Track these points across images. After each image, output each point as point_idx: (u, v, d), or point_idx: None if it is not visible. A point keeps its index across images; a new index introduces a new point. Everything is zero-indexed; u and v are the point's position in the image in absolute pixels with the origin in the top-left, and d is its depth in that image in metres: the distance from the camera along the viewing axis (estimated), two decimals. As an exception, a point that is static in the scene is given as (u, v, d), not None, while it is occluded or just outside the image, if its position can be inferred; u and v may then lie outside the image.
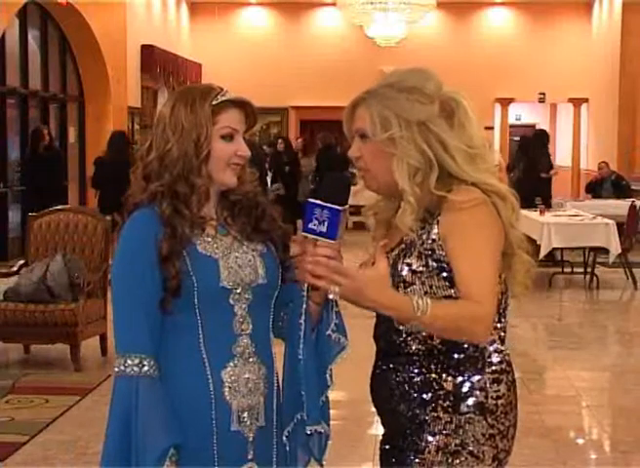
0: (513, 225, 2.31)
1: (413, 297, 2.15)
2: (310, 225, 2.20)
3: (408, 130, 2.27)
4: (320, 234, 2.20)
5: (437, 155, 2.27)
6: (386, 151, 2.29)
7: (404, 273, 2.25)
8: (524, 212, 11.25)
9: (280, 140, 16.26)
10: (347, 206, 2.24)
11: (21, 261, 7.39)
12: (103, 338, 7.18)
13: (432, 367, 2.28)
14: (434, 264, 2.24)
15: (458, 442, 2.25)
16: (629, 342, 8.58)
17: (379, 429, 2.45)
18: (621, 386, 6.93)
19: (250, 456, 2.30)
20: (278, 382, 2.38)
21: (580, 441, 5.72)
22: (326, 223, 2.19)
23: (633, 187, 14.85)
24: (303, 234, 2.22)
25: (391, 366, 2.33)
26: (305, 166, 15.98)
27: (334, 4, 19.48)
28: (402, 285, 2.25)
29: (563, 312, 10.16)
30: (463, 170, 2.27)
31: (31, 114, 14.38)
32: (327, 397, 2.37)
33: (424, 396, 2.27)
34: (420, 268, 2.24)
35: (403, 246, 2.28)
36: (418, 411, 2.28)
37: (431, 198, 2.28)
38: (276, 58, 21.65)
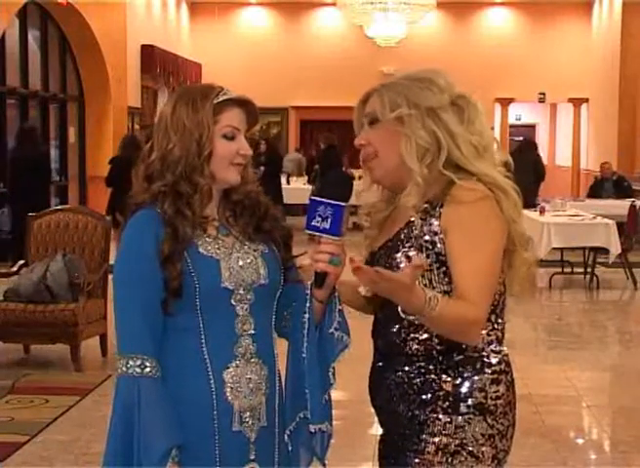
0: (515, 221, 2.31)
1: (427, 292, 2.11)
2: (313, 222, 2.20)
3: (417, 111, 2.28)
4: (323, 231, 2.20)
5: (445, 142, 2.28)
6: (395, 132, 2.29)
7: (402, 266, 2.24)
8: (524, 211, 11.27)
9: (263, 141, 16.30)
10: (348, 203, 2.24)
11: (21, 261, 7.39)
12: (103, 338, 7.17)
13: (431, 367, 2.28)
14: (434, 257, 2.24)
15: (457, 442, 2.25)
16: (629, 342, 8.58)
17: (378, 429, 2.45)
18: (621, 386, 6.93)
19: (252, 457, 2.30)
20: (280, 382, 2.38)
21: (580, 441, 5.72)
22: (329, 220, 2.19)
23: (634, 187, 14.85)
24: (306, 231, 2.23)
25: (390, 366, 2.32)
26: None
27: (334, 4, 19.49)
28: None
29: (563, 312, 10.15)
30: (469, 160, 2.28)
31: (31, 114, 14.37)
32: (329, 395, 2.37)
33: (424, 397, 2.27)
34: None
35: (402, 236, 2.28)
36: (417, 412, 2.28)
37: (434, 189, 2.28)
38: (276, 58, 21.66)
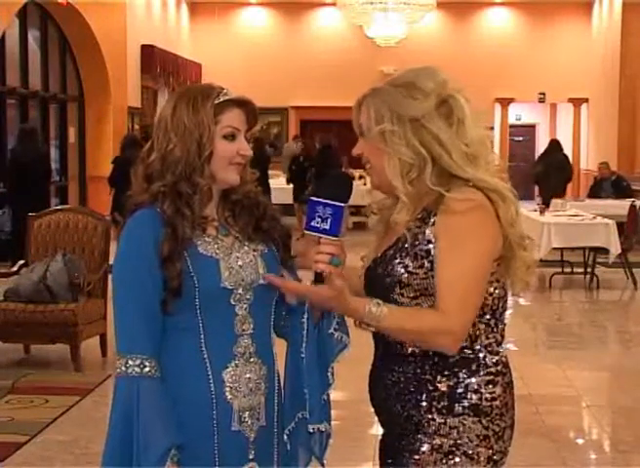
0: (513, 224, 2.29)
1: (368, 304, 2.17)
2: (313, 223, 2.20)
3: (400, 125, 2.27)
4: (323, 231, 2.21)
5: (432, 151, 2.26)
6: (379, 148, 2.29)
7: (400, 274, 2.24)
8: (524, 211, 11.31)
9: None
10: (348, 204, 2.24)
11: (21, 261, 7.39)
12: (103, 338, 7.17)
13: (427, 368, 2.27)
14: (429, 265, 2.23)
15: (452, 443, 2.25)
16: (629, 342, 8.58)
17: (378, 429, 2.45)
18: (621, 386, 6.93)
19: (251, 456, 2.30)
20: (279, 382, 2.39)
21: (580, 441, 5.72)
22: (329, 220, 2.20)
23: (633, 187, 14.87)
24: (306, 232, 2.23)
25: (387, 366, 2.32)
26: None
27: (334, 4, 19.50)
28: (398, 285, 2.25)
29: (563, 312, 10.16)
30: (460, 166, 2.26)
31: (31, 114, 14.37)
32: (328, 395, 2.37)
33: (419, 397, 2.27)
34: (416, 269, 2.24)
35: (399, 245, 2.28)
36: (413, 412, 2.28)
37: (430, 197, 2.27)
38: (276, 59, 21.66)
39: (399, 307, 2.22)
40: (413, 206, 2.27)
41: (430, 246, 2.24)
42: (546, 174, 14.85)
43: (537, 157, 16.18)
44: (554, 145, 15.58)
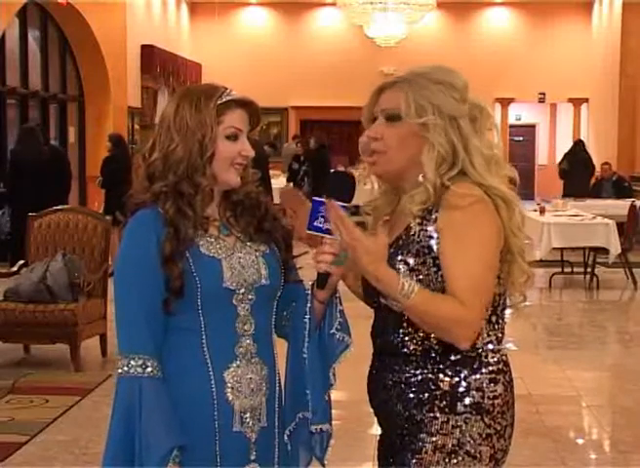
0: (515, 233, 2.30)
1: (401, 278, 2.15)
2: (316, 223, 2.21)
3: (441, 120, 2.28)
4: (326, 231, 2.21)
5: (460, 153, 2.28)
6: (418, 136, 2.29)
7: (401, 270, 2.24)
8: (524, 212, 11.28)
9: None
10: (351, 204, 2.24)
11: (21, 261, 7.39)
12: (103, 338, 7.17)
13: (429, 367, 2.28)
14: (431, 261, 2.24)
15: (455, 442, 2.25)
16: (629, 342, 8.58)
17: (379, 429, 2.45)
18: (621, 386, 6.93)
19: (252, 457, 2.30)
20: (280, 382, 2.38)
21: (580, 441, 5.72)
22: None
23: (633, 187, 14.89)
24: (309, 232, 2.23)
25: (388, 365, 2.33)
26: None
27: (334, 4, 19.51)
28: None
29: (563, 312, 10.15)
30: (477, 171, 2.28)
31: (31, 114, 14.37)
32: (329, 396, 2.37)
33: (421, 396, 2.27)
34: (418, 266, 2.24)
35: (400, 242, 2.28)
36: (414, 412, 2.28)
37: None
38: (276, 59, 21.66)
39: (426, 289, 2.21)
40: (433, 198, 2.26)
41: (432, 241, 2.24)
42: (571, 171, 15.61)
43: (562, 156, 16.89)
44: (578, 145, 16.38)
